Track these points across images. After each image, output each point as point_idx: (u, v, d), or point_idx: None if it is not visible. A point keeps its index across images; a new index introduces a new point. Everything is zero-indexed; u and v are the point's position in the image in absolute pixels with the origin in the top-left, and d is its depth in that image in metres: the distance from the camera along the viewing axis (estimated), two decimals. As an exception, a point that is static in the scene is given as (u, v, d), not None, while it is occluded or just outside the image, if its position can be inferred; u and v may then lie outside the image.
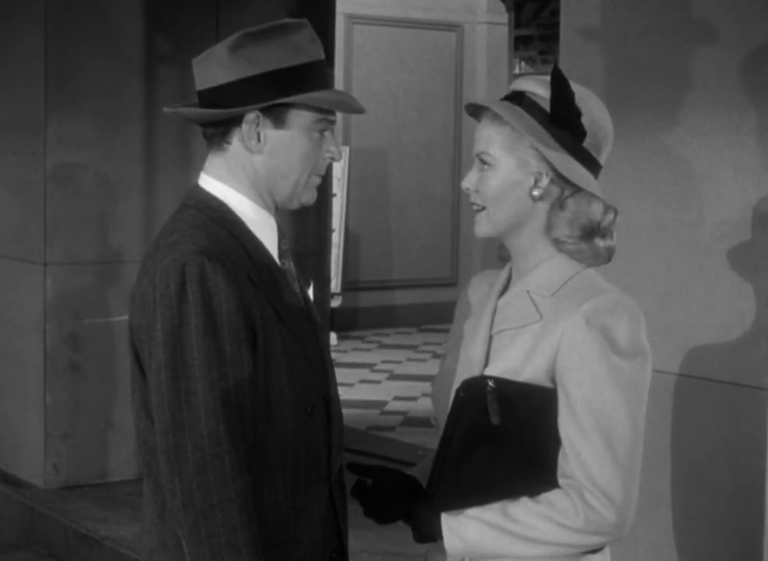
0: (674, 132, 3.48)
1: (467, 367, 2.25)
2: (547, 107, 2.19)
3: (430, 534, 2.21)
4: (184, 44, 6.05)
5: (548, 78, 2.21)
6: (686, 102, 3.45)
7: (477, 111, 2.27)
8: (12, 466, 6.23)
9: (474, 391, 2.12)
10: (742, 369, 3.29)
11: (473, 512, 2.16)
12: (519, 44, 10.48)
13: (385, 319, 11.50)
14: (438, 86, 11.80)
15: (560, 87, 2.18)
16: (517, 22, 10.53)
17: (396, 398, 8.40)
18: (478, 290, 2.39)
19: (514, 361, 2.17)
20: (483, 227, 2.25)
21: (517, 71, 10.53)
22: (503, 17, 10.94)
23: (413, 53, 11.64)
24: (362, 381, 9.03)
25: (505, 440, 2.12)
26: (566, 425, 2.13)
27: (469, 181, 2.24)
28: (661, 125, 3.51)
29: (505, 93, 2.31)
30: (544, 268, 2.23)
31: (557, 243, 2.22)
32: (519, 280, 2.27)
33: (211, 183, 2.27)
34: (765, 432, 3.23)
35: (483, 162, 2.22)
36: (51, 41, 5.91)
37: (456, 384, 2.23)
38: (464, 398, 2.13)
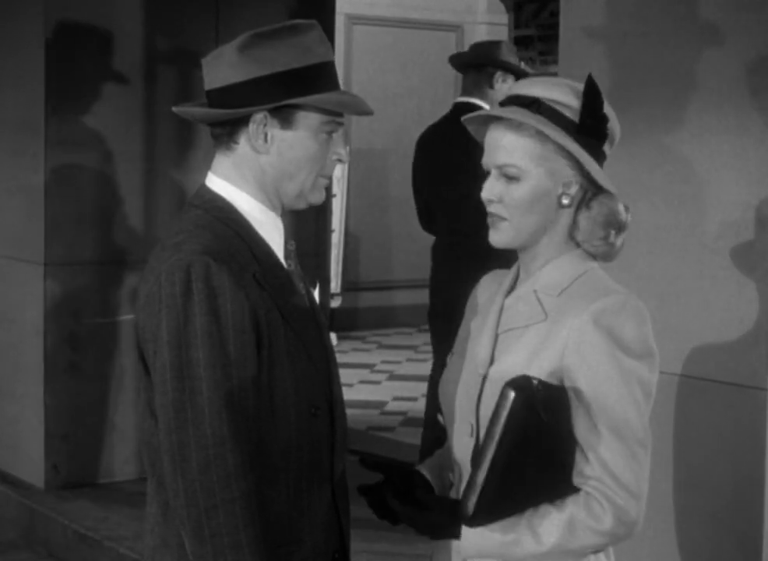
0: (675, 132, 3.48)
1: (472, 366, 2.25)
2: (569, 113, 2.17)
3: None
4: (185, 44, 6.06)
5: (569, 83, 2.20)
6: (686, 102, 3.45)
7: (485, 119, 2.23)
8: (12, 466, 6.23)
9: (523, 389, 2.04)
10: (742, 369, 3.29)
11: (496, 527, 2.10)
12: (519, 44, 10.47)
13: (385, 319, 11.50)
14: (438, 86, 11.80)
15: (594, 98, 2.17)
16: (517, 23, 10.53)
17: (396, 398, 8.40)
18: (487, 289, 2.38)
19: (519, 360, 2.17)
20: (505, 237, 2.21)
21: (516, 71, 10.51)
22: (503, 17, 10.94)
23: (413, 53, 11.64)
24: (362, 381, 9.02)
25: (549, 442, 2.08)
26: (581, 426, 2.12)
27: (492, 193, 2.19)
28: (661, 125, 3.51)
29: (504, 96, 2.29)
30: (551, 267, 2.23)
31: (580, 244, 2.22)
32: (527, 279, 2.27)
33: (218, 183, 2.27)
34: (765, 432, 3.23)
35: (505, 173, 2.18)
36: (51, 41, 5.91)
37: (464, 383, 2.24)
38: (515, 396, 2.03)
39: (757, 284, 3.27)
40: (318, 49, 2.23)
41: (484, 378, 2.21)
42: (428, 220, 5.84)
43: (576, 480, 2.14)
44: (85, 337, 5.98)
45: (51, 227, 5.93)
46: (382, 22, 11.45)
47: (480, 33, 11.96)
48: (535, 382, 2.06)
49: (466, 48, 11.87)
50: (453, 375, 2.31)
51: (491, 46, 5.57)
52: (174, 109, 2.34)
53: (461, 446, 2.24)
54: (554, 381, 2.14)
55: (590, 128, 2.17)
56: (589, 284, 2.21)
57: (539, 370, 2.14)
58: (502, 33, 11.02)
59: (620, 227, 2.22)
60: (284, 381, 2.19)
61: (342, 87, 2.31)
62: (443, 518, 2.14)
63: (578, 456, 2.13)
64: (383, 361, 9.93)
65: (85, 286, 5.99)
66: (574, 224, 2.21)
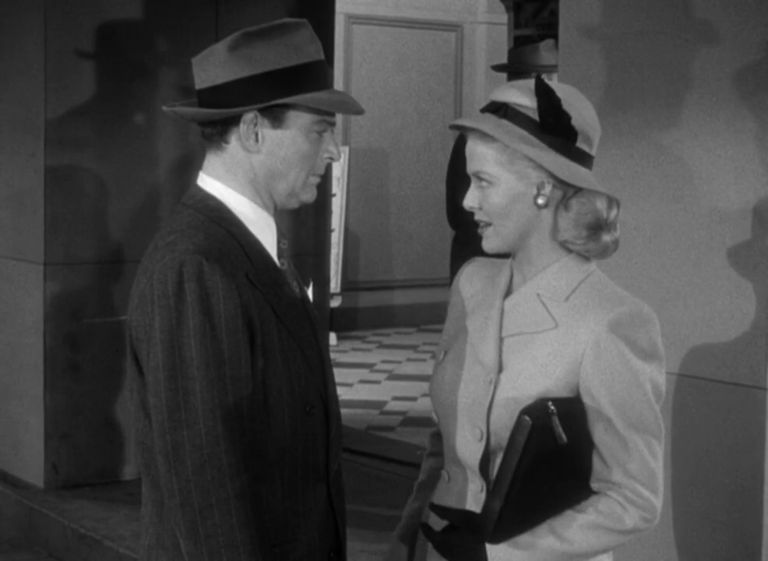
0: (673, 132, 3.48)
1: (478, 369, 2.25)
2: (534, 115, 2.18)
3: None
4: (184, 44, 6.05)
5: (531, 85, 2.20)
6: (685, 102, 3.45)
7: (462, 127, 2.25)
8: (12, 466, 6.23)
9: (539, 416, 2.10)
10: (742, 369, 3.30)
11: (522, 539, 2.14)
12: (519, 44, 10.49)
13: (384, 319, 11.50)
14: (438, 86, 11.80)
15: (546, 97, 2.17)
16: (516, 23, 10.54)
17: (396, 398, 8.40)
18: (472, 283, 2.38)
19: (531, 368, 2.18)
20: (492, 242, 2.25)
21: (516, 71, 10.52)
22: (503, 17, 10.96)
23: (413, 53, 11.64)
24: (362, 381, 9.02)
25: (566, 458, 2.13)
26: (602, 433, 2.16)
27: (471, 201, 2.24)
28: (660, 125, 3.51)
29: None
30: (552, 271, 2.24)
31: (565, 245, 2.23)
32: (527, 281, 2.27)
33: (210, 183, 2.27)
34: (764, 432, 3.23)
35: (481, 180, 2.21)
36: (51, 41, 5.91)
37: (467, 385, 2.24)
38: (533, 425, 2.09)
39: (756, 283, 3.27)
40: (309, 48, 2.23)
41: (494, 384, 2.21)
42: (454, 213, 5.82)
43: (596, 485, 2.18)
44: (85, 337, 5.98)
45: (51, 227, 5.93)
46: (382, 22, 11.45)
47: (480, 33, 11.97)
48: (550, 405, 2.10)
49: (465, 48, 11.95)
50: (449, 374, 2.31)
51: (530, 51, 5.70)
52: (164, 108, 2.34)
53: (467, 449, 2.25)
54: (567, 390, 2.17)
55: (552, 127, 2.17)
56: (596, 291, 2.22)
57: (553, 379, 2.16)
58: (502, 33, 11.03)
59: (604, 225, 2.21)
60: (278, 380, 2.19)
61: (341, 87, 2.32)
62: (466, 539, 2.18)
63: (595, 461, 2.17)
64: (383, 361, 9.93)
65: (84, 286, 5.99)
66: (555, 225, 2.22)
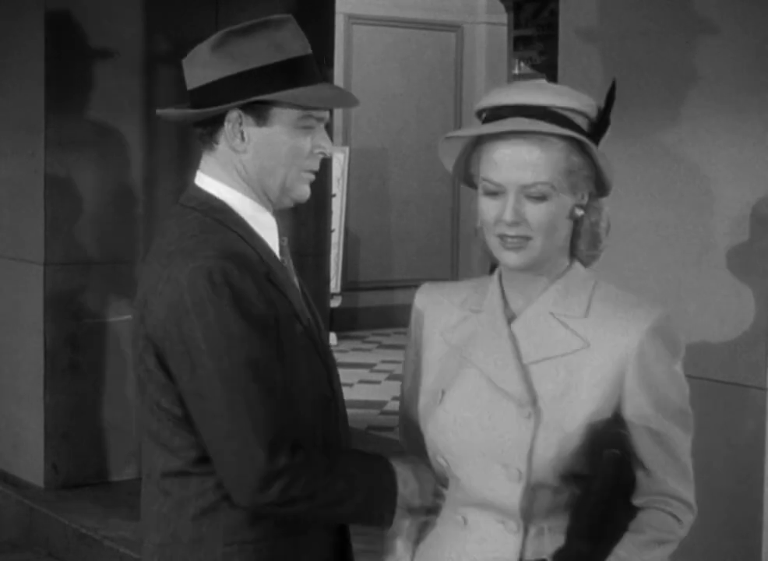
0: (674, 131, 3.48)
1: (507, 405, 2.10)
2: (577, 118, 2.07)
3: None
4: (184, 44, 6.02)
5: (568, 89, 2.13)
6: (685, 102, 3.45)
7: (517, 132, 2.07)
8: (12, 466, 6.23)
9: (621, 447, 2.06)
10: (742, 369, 3.30)
11: None
12: (519, 44, 10.48)
13: (384, 319, 11.50)
14: (438, 86, 11.80)
15: (612, 104, 2.11)
16: (516, 23, 10.53)
17: (396, 398, 8.36)
18: (443, 314, 2.27)
19: (570, 394, 2.08)
20: (528, 256, 2.08)
21: (516, 71, 10.54)
22: (503, 17, 10.95)
23: (413, 53, 11.65)
24: (362, 381, 9.03)
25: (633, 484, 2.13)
26: (649, 446, 2.12)
27: (518, 215, 2.04)
28: (660, 124, 3.51)
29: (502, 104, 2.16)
30: (557, 287, 2.13)
31: (580, 253, 2.15)
32: (532, 301, 2.15)
33: (209, 183, 2.25)
34: (764, 432, 3.23)
35: (533, 193, 2.04)
36: (51, 41, 5.91)
37: (495, 423, 2.11)
38: (622, 457, 2.04)
39: (756, 283, 3.27)
40: (293, 44, 2.20)
41: (534, 418, 2.08)
42: None
43: (641, 499, 2.15)
44: (85, 337, 5.98)
45: (51, 227, 5.93)
46: (382, 22, 11.45)
47: (480, 33, 11.98)
48: (625, 434, 2.09)
49: (465, 48, 11.95)
50: (461, 414, 2.15)
51: None
52: (158, 112, 2.34)
53: (499, 491, 2.11)
54: (610, 408, 2.09)
55: (599, 134, 2.10)
56: (611, 301, 2.13)
57: (597, 401, 2.08)
58: (502, 33, 11.03)
59: (607, 231, 2.16)
60: (301, 375, 2.19)
61: (342, 85, 2.30)
62: None
63: (642, 476, 2.13)
64: (383, 361, 9.93)
65: (85, 286, 5.99)
66: (575, 234, 2.13)
